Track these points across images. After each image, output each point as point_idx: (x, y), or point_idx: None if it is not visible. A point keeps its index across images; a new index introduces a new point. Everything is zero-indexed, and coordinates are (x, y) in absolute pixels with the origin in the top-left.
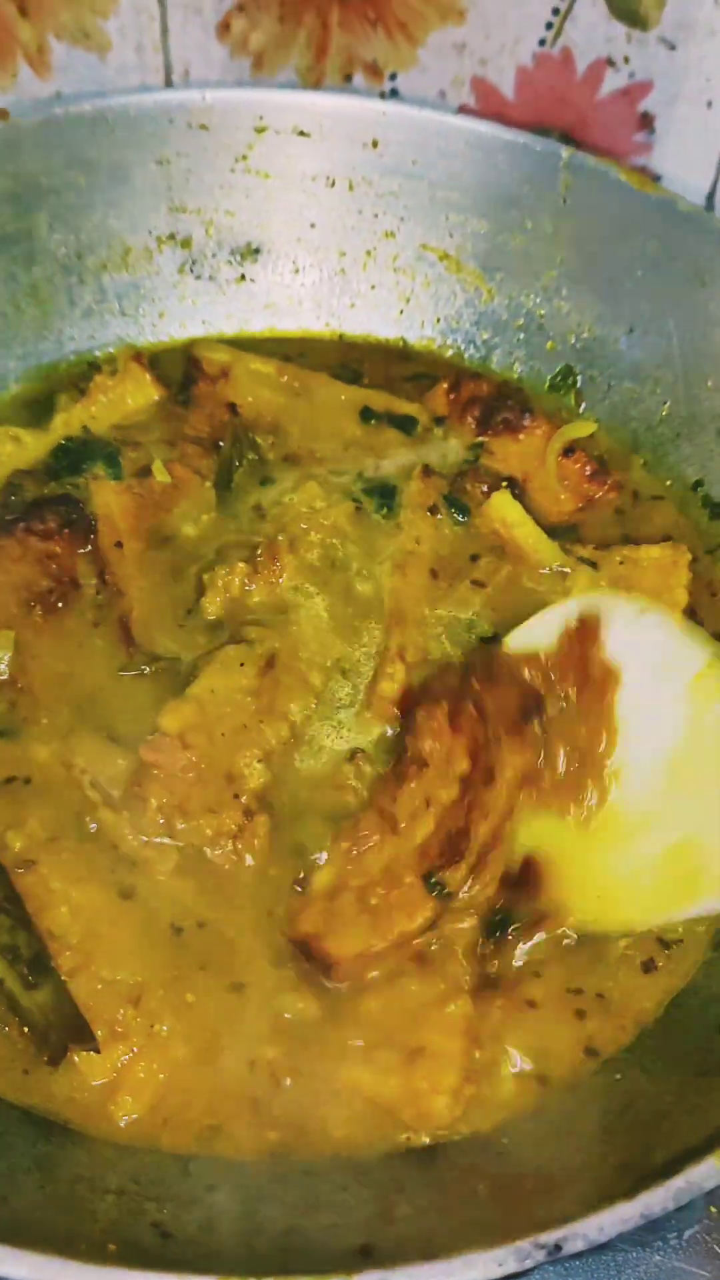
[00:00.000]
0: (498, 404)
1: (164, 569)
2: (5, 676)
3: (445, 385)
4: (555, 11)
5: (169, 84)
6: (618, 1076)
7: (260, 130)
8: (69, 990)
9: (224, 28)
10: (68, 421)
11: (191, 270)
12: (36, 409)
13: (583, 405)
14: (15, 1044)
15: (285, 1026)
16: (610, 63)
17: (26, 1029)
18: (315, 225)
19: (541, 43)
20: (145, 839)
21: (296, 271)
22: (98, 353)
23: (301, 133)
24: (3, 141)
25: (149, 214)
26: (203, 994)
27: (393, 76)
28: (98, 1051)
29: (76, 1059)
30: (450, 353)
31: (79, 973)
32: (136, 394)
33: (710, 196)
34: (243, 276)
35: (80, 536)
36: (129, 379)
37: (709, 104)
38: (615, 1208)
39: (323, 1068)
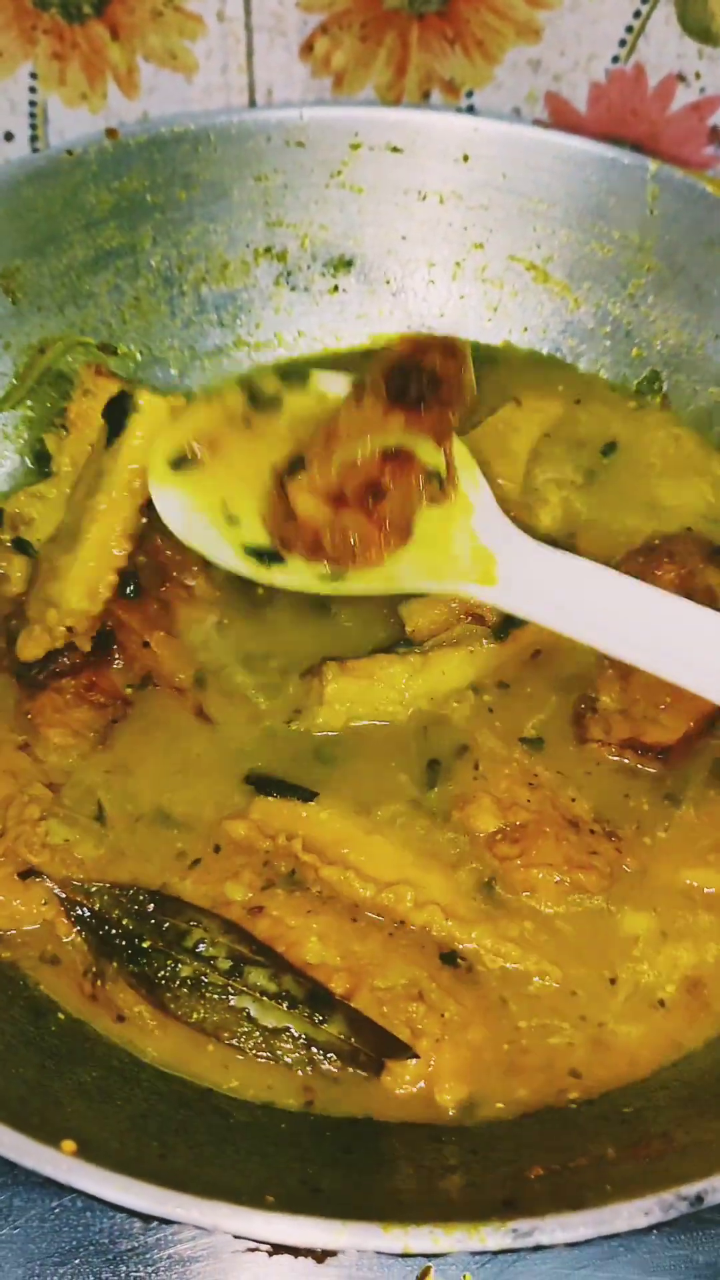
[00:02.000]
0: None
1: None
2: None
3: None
4: (629, 29)
5: (252, 104)
6: None
7: (355, 147)
8: (359, 1011)
9: (307, 48)
10: (74, 459)
11: (287, 282)
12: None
13: (670, 409)
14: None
15: None
16: (681, 78)
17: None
18: (406, 237)
19: (615, 59)
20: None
21: (388, 282)
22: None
23: (394, 149)
24: (112, 159)
25: (247, 228)
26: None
27: (469, 94)
28: (418, 1056)
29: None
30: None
31: (358, 991)
32: None
33: None
34: (336, 288)
35: (106, 658)
36: (101, 394)
37: None
38: None
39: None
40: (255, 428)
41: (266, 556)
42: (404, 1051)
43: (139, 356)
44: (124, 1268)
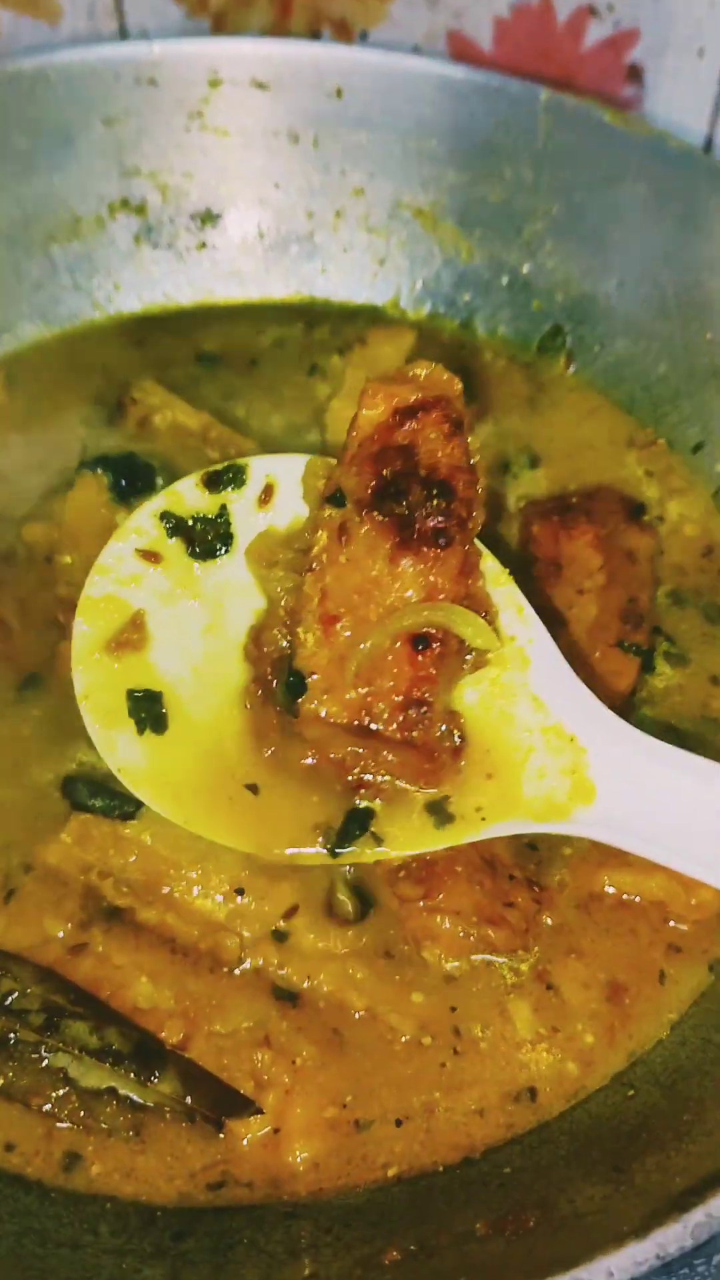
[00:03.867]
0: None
1: None
2: None
3: None
4: None
5: None
6: (631, 1093)
7: (215, 84)
8: (194, 1063)
9: None
10: None
11: (148, 238)
12: None
13: (573, 367)
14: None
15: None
16: (593, 11)
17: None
18: (279, 185)
19: None
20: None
21: (261, 236)
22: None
23: (259, 85)
24: None
25: (99, 179)
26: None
27: (363, 35)
28: (261, 1112)
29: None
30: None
31: (194, 1037)
32: None
33: (706, 149)
34: (203, 243)
35: None
36: None
37: (700, 52)
38: (626, 1247)
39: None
40: (204, 597)
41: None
42: (245, 1108)
43: None
44: None
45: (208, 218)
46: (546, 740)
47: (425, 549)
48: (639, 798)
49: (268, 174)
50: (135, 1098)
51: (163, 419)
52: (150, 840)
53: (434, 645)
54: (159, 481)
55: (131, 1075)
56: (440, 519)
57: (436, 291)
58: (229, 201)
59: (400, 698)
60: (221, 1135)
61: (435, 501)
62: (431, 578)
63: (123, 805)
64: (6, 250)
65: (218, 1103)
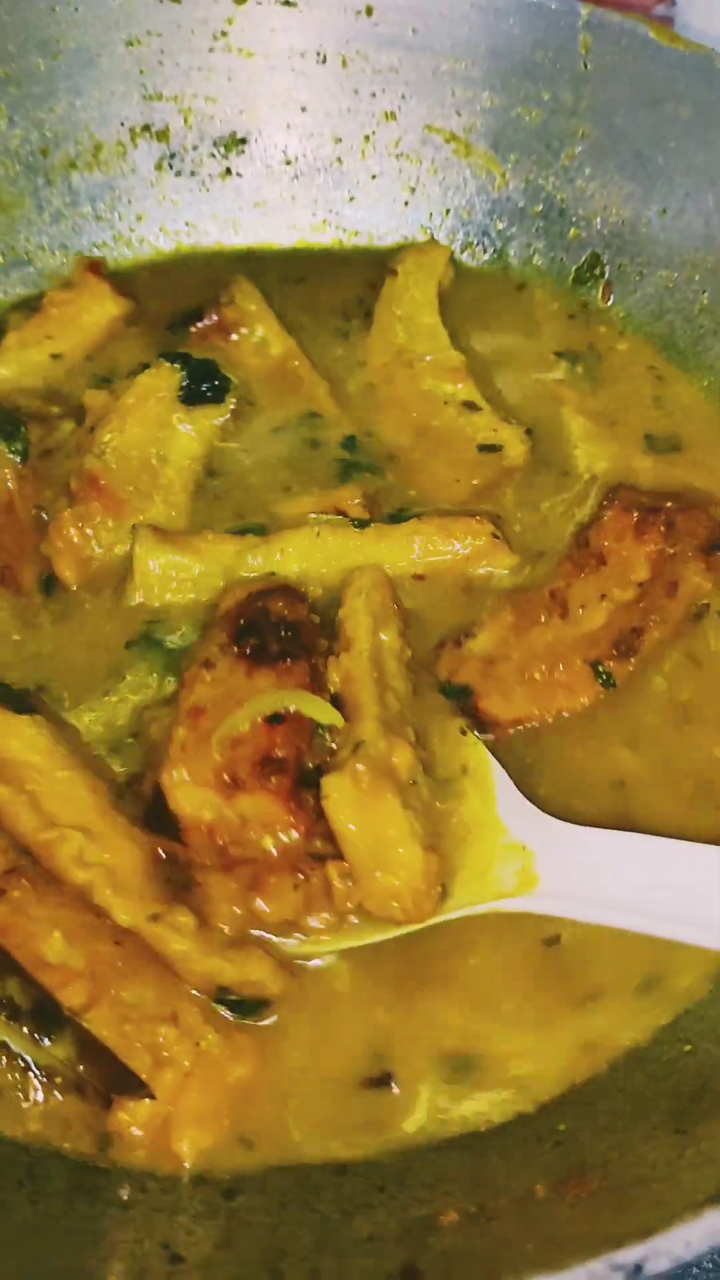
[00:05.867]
0: None
1: None
2: None
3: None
4: None
5: None
6: (687, 1048)
7: (240, 1)
8: (91, 1034)
9: None
10: (22, 341)
11: (171, 166)
12: None
13: (611, 298)
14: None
15: None
16: None
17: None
18: (306, 109)
19: None
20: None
21: (288, 163)
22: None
23: (286, 2)
24: None
25: (120, 103)
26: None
27: None
28: (153, 1097)
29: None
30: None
31: (97, 1003)
32: (94, 308)
33: None
34: (228, 171)
35: None
36: (85, 292)
37: None
38: (704, 1216)
39: None
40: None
41: None
42: (135, 1088)
43: (0, 259)
44: None
45: (232, 144)
46: (505, 852)
47: (275, 666)
48: (574, 875)
49: (294, 97)
50: (26, 1057)
51: (251, 331)
52: (33, 735)
53: (287, 722)
54: (230, 400)
55: (25, 1031)
56: (287, 645)
57: (469, 220)
58: (254, 126)
59: (260, 757)
60: (109, 1113)
61: (285, 633)
62: (285, 686)
63: (15, 702)
64: (27, 178)
65: (108, 1078)
